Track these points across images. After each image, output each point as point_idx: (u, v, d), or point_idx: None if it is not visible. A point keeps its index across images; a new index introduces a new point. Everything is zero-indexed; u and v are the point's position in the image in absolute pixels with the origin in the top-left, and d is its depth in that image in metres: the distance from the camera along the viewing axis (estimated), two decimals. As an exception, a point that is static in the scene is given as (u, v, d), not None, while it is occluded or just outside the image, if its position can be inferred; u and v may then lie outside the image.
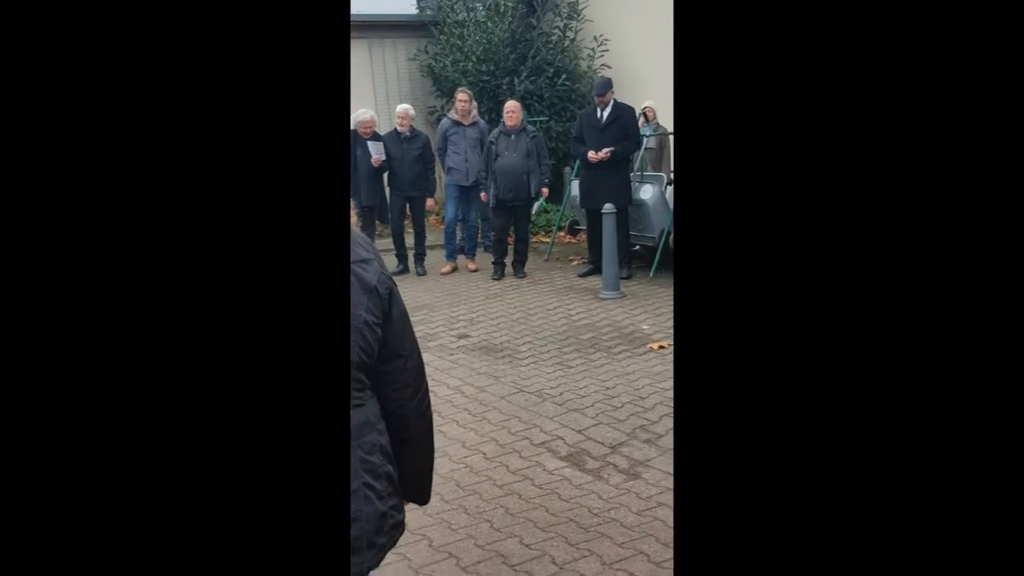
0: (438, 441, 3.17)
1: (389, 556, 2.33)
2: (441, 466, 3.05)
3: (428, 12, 9.01)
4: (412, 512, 2.70)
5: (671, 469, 2.85)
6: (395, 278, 1.28)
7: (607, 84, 6.09)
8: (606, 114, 5.93)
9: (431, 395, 1.35)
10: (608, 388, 3.78)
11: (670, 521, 2.49)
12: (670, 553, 2.30)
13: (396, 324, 1.25)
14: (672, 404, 3.45)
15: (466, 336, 4.72)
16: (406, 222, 6.46)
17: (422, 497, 1.41)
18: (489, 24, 8.37)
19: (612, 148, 5.76)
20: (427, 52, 8.97)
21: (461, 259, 6.63)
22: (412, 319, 1.31)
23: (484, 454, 3.10)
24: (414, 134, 6.32)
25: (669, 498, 2.65)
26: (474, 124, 6.46)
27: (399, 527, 1.28)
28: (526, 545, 2.42)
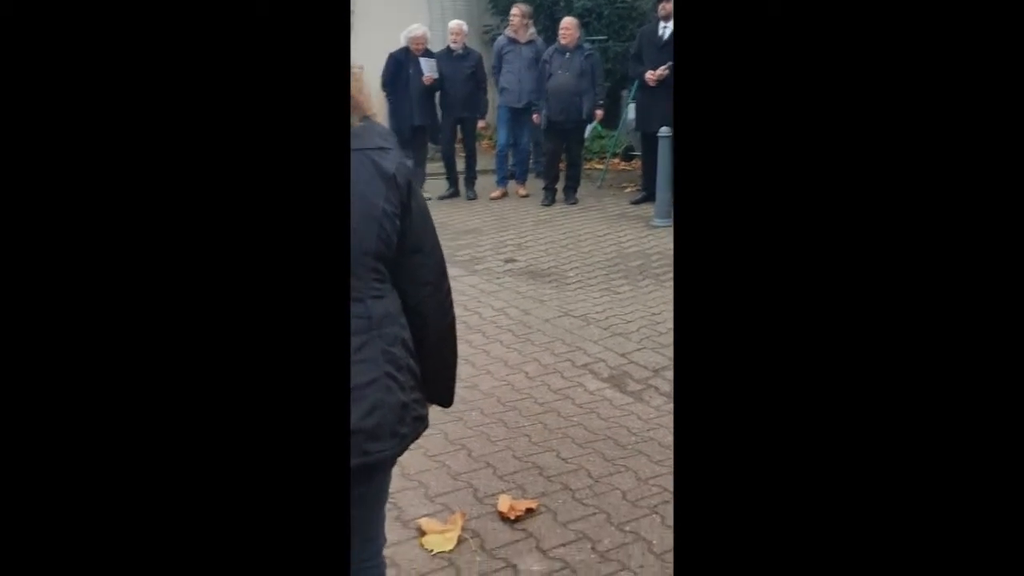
0: (480, 360, 3.22)
1: (427, 462, 2.42)
2: (483, 383, 3.10)
3: (485, -76, 8.64)
4: (452, 423, 2.78)
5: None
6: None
7: None
8: (668, 31, 5.64)
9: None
10: (655, 314, 3.75)
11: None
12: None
13: (416, 218, 1.23)
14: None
15: (513, 260, 4.70)
16: (457, 145, 6.39)
17: (445, 398, 1.41)
18: (548, -64, 7.99)
19: (671, 63, 5.51)
20: (483, -33, 8.66)
21: (512, 184, 6.55)
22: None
23: (526, 373, 3.14)
24: (467, 52, 6.17)
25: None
26: (530, 43, 6.24)
27: (422, 421, 1.29)
28: (563, 459, 2.47)
